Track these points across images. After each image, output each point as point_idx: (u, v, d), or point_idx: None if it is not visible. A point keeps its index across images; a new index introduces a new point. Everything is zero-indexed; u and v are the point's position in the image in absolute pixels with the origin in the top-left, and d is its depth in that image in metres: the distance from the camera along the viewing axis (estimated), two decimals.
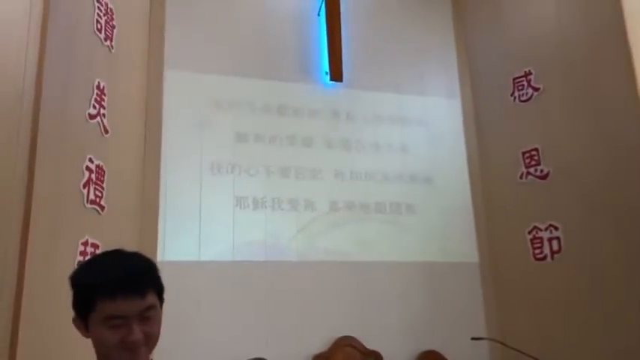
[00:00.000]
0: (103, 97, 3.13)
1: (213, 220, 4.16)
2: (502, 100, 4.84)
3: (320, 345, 4.17)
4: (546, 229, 4.40)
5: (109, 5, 3.30)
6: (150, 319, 1.27)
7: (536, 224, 4.47)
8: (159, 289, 1.34)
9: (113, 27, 3.36)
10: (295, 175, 4.49)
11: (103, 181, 3.04)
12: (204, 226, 4.13)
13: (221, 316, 4.01)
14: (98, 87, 3.07)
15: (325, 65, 4.72)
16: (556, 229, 4.35)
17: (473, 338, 3.06)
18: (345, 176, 4.65)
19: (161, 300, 1.34)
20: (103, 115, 3.11)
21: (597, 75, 4.20)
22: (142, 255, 1.35)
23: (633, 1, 4.09)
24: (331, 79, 4.69)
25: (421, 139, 4.95)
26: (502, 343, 3.30)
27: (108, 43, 3.27)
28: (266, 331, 4.08)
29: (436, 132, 5.01)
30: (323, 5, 4.76)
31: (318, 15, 4.81)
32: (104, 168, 3.07)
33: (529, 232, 4.52)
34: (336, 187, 4.60)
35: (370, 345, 4.24)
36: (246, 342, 4.00)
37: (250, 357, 3.86)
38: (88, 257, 2.53)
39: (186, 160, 4.21)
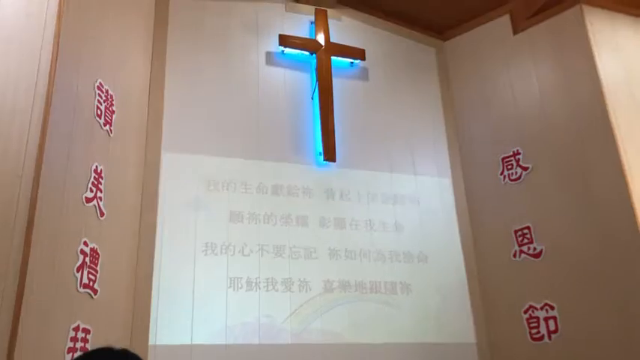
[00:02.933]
0: (100, 180, 3.18)
1: (206, 302, 4.11)
2: (492, 179, 4.94)
3: None
4: (542, 309, 4.37)
5: (110, 92, 3.42)
6: None
7: (532, 303, 4.45)
8: None
9: (113, 112, 3.47)
10: (289, 255, 4.48)
11: (97, 264, 3.03)
12: (197, 308, 4.07)
13: None
14: (96, 170, 3.13)
15: (319, 146, 4.84)
16: (552, 308, 4.32)
17: None
18: (340, 255, 4.64)
19: None
20: (100, 198, 3.15)
21: (584, 152, 4.33)
22: (130, 354, 1.34)
23: (610, 78, 4.29)
24: (325, 160, 4.78)
25: (414, 217, 5.00)
26: None
27: (107, 127, 3.36)
28: None
29: (429, 210, 5.07)
30: (316, 88, 4.94)
31: (312, 98, 4.98)
32: (98, 251, 3.07)
33: (525, 312, 4.48)
34: (331, 266, 4.58)
35: None
36: None
37: None
38: (77, 352, 2.48)
39: (180, 242, 4.21)
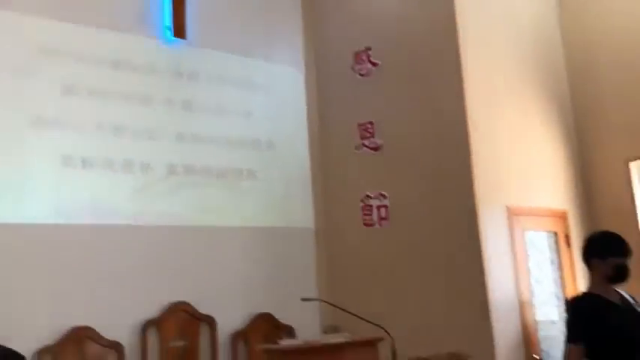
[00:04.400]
0: None
1: (36, 179, 3.80)
2: (343, 73, 5.02)
3: (151, 311, 4.06)
4: (376, 198, 4.70)
5: None
6: None
7: (368, 193, 4.75)
8: None
9: None
10: (131, 135, 4.25)
11: None
12: (26, 185, 3.76)
13: (40, 282, 3.71)
14: None
15: (167, 19, 4.48)
16: (385, 197, 4.66)
17: (303, 299, 3.18)
18: (186, 138, 4.51)
19: None
20: None
21: (429, 57, 4.53)
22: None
23: None
24: (174, 36, 4.47)
25: (264, 105, 4.96)
26: (330, 304, 3.49)
27: None
28: (92, 297, 3.86)
29: (279, 99, 5.05)
30: None
31: None
32: None
33: (361, 200, 4.78)
34: (176, 149, 4.44)
35: (204, 309, 4.23)
36: (68, 309, 3.76)
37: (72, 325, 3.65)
38: None
39: (5, 111, 3.77)
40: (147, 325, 4.01)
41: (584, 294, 3.12)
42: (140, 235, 4.14)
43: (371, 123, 4.78)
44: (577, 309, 3.01)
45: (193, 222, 4.38)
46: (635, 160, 4.75)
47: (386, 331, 2.85)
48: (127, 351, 3.91)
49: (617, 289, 2.99)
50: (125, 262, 4.03)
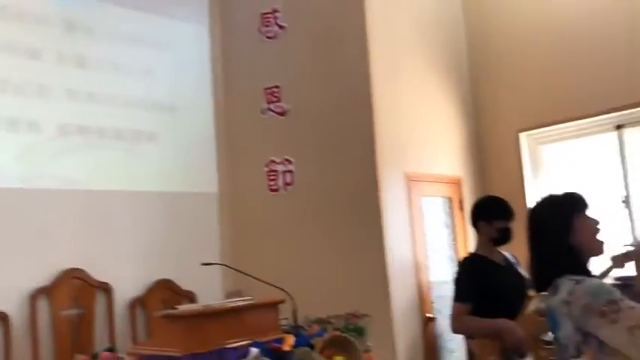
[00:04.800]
0: None
1: None
2: (250, 35, 4.90)
3: (42, 278, 3.84)
4: (281, 163, 4.69)
5: None
6: None
7: (273, 158, 4.72)
8: None
9: None
10: (16, 91, 3.92)
11: None
12: None
13: None
14: None
15: None
16: (290, 162, 4.66)
17: (203, 264, 3.13)
18: (79, 97, 4.23)
19: None
20: None
21: (335, 22, 4.52)
22: None
23: None
24: None
25: (166, 64, 4.75)
26: (231, 268, 3.47)
27: None
28: None
29: (182, 58, 4.86)
30: None
31: None
32: None
33: (266, 166, 4.75)
34: (68, 108, 4.16)
35: (100, 276, 4.06)
36: None
37: None
38: None
39: None
40: (36, 294, 3.79)
41: (471, 255, 3.32)
42: (28, 200, 3.88)
43: (277, 87, 4.73)
44: (463, 269, 3.21)
45: (87, 186, 4.16)
46: (524, 131, 5.07)
47: (287, 294, 2.88)
48: (14, 321, 3.69)
49: (501, 250, 3.21)
50: (11, 227, 3.75)
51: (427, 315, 4.41)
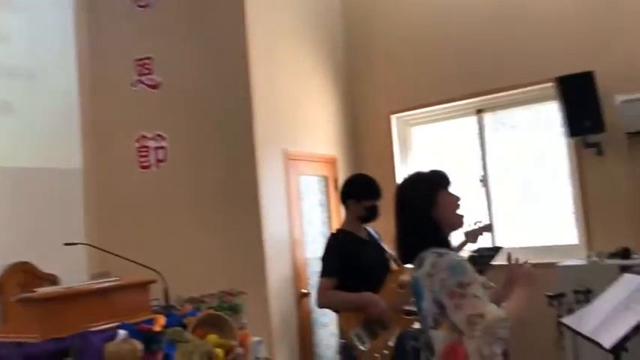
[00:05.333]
0: None
1: None
2: (120, 1, 4.60)
3: None
4: (153, 139, 4.49)
5: None
6: None
7: (145, 133, 4.51)
8: None
9: None
10: None
11: None
12: None
13: None
14: None
15: None
16: (163, 138, 4.48)
17: (66, 244, 2.91)
18: None
19: None
20: None
21: None
22: None
23: None
24: None
25: (24, 28, 4.31)
26: (97, 247, 3.26)
27: None
28: None
29: (43, 22, 4.43)
30: None
31: None
32: None
33: (137, 141, 4.52)
34: None
35: None
36: None
37: None
38: None
39: None
40: None
41: (338, 231, 3.42)
42: None
43: (149, 59, 4.50)
44: (330, 245, 3.29)
45: None
46: (395, 113, 5.30)
47: (158, 273, 2.78)
48: None
49: (366, 227, 3.34)
50: None
51: (302, 291, 4.49)
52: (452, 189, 2.15)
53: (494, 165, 4.94)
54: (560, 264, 4.03)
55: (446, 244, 2.07)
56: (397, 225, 2.15)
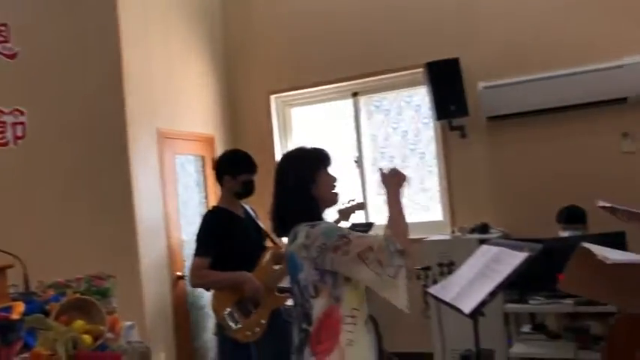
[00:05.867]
0: None
1: None
2: None
3: None
4: (11, 114, 4.10)
5: None
6: None
7: (1, 108, 4.11)
8: None
9: None
10: None
11: None
12: None
13: None
14: None
15: None
16: (22, 113, 4.11)
17: None
18: None
19: None
20: None
21: None
22: None
23: None
24: None
25: None
26: None
27: None
28: None
29: None
30: None
31: None
32: None
33: None
34: None
35: None
36: None
37: None
38: None
39: None
40: None
41: (214, 208, 3.37)
42: None
43: (4, 25, 4.09)
44: (205, 223, 3.23)
45: None
46: (274, 93, 5.31)
47: (16, 257, 2.55)
48: None
49: (243, 204, 3.31)
50: None
51: (177, 273, 4.38)
52: (331, 169, 2.19)
53: (368, 147, 5.12)
54: (427, 239, 4.30)
55: (319, 219, 2.11)
56: (275, 197, 2.16)
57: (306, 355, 2.02)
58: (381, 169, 2.13)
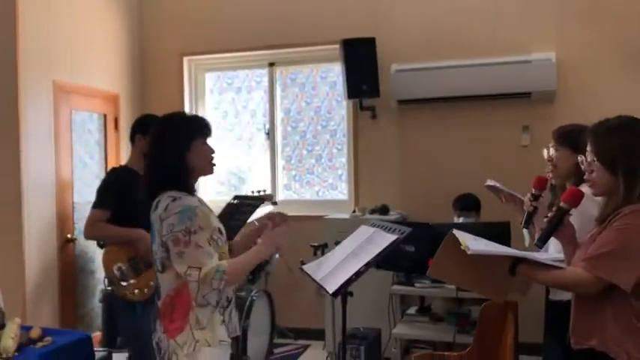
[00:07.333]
0: None
1: None
2: None
3: None
4: None
5: None
6: None
7: None
8: None
9: None
10: None
11: None
12: None
13: None
14: None
15: None
16: None
17: None
18: None
19: None
20: None
21: None
22: None
23: None
24: None
25: None
26: None
27: None
28: None
29: None
30: None
31: None
32: None
33: None
34: None
35: None
36: None
37: None
38: None
39: None
40: None
41: (120, 166, 3.28)
42: None
43: None
44: (108, 178, 3.15)
45: None
46: (188, 55, 5.10)
47: None
48: None
49: None
50: None
51: (67, 236, 4.16)
52: (209, 139, 2.09)
53: (281, 119, 5.03)
54: (326, 217, 4.29)
55: (188, 189, 2.01)
56: (148, 160, 2.04)
57: (159, 329, 1.95)
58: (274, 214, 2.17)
